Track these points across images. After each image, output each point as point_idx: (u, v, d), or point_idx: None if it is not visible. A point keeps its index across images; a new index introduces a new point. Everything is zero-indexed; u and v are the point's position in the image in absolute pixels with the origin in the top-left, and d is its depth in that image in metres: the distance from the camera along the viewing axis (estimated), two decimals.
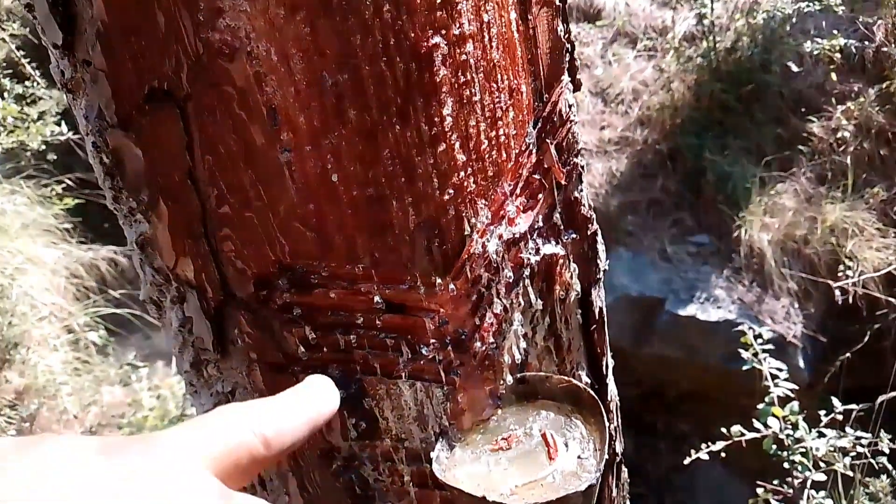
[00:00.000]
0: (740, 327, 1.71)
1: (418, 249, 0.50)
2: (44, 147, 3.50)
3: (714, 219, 3.53)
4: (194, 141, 0.43)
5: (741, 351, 1.62)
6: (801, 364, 3.20)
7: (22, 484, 0.26)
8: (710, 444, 1.48)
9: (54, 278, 3.91)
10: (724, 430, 1.50)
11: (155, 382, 3.60)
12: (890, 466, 1.89)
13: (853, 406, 1.55)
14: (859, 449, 1.45)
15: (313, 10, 0.41)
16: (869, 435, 1.50)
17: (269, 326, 0.49)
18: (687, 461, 1.51)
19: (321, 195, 0.45)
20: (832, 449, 1.44)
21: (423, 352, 0.54)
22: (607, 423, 0.56)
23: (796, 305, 3.32)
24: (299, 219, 0.46)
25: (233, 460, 0.32)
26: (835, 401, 1.54)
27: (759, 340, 1.65)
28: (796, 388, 1.52)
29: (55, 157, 3.91)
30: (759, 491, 2.08)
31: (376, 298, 0.50)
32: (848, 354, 2.60)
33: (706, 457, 1.48)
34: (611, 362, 0.73)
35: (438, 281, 0.52)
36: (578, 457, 0.55)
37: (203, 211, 0.45)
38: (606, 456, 0.54)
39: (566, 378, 0.60)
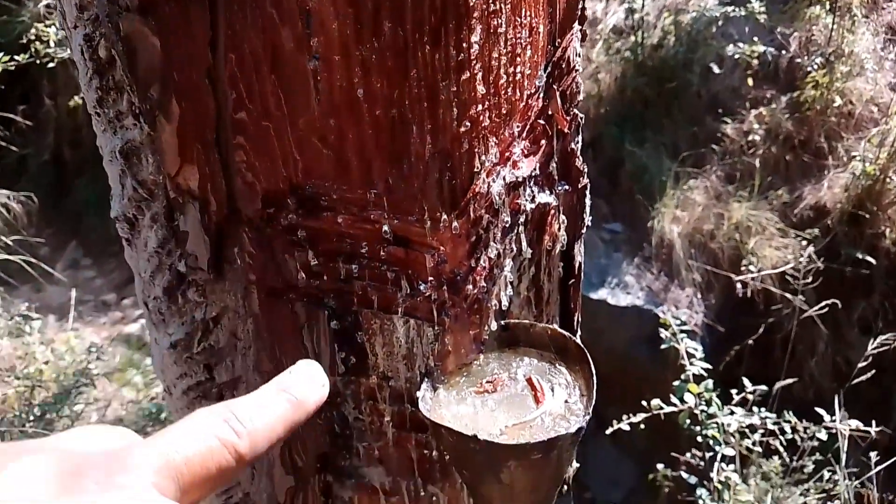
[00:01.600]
0: (657, 311, 1.78)
1: (430, 181, 0.49)
2: None
3: (628, 208, 3.65)
4: (219, 37, 0.40)
5: (661, 330, 1.68)
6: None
7: None
8: (630, 416, 1.54)
9: None
10: (643, 402, 1.56)
11: (49, 336, 3.39)
12: (782, 449, 2.02)
13: (762, 387, 1.65)
14: (769, 425, 1.54)
15: None
16: (774, 415, 1.59)
17: (271, 248, 0.47)
18: (609, 431, 1.57)
19: (344, 111, 0.43)
20: (742, 425, 1.53)
21: (421, 288, 0.52)
22: (593, 370, 0.56)
23: (699, 296, 3.48)
24: (318, 134, 0.44)
25: (198, 473, 0.30)
26: (745, 381, 1.63)
27: (678, 322, 1.72)
28: (710, 367, 1.60)
29: None
30: (660, 466, 2.18)
31: (385, 228, 0.48)
32: (745, 343, 2.75)
33: (627, 427, 1.54)
34: (579, 319, 0.74)
35: (444, 217, 0.51)
36: (565, 401, 0.56)
37: (218, 115, 0.42)
38: (594, 401, 0.55)
39: (550, 326, 0.60)
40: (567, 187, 0.62)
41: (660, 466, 2.16)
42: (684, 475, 1.67)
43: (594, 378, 0.56)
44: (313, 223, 0.47)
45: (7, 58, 3.00)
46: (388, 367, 0.55)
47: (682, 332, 1.68)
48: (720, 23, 3.57)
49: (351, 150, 0.44)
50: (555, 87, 0.57)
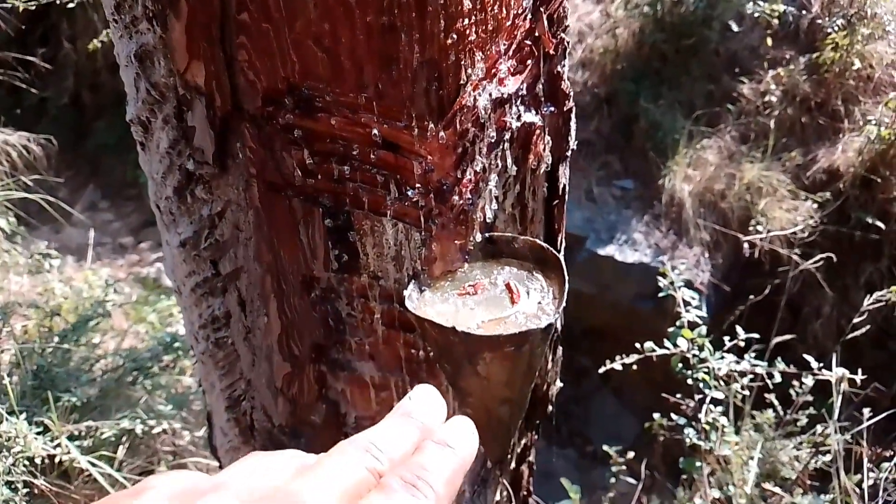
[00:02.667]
0: (659, 260, 1.80)
1: (418, 88, 0.53)
2: None
3: (641, 165, 3.65)
4: None
5: (659, 279, 1.72)
6: (704, 310, 3.40)
7: None
8: (624, 356, 1.59)
9: None
10: (637, 345, 1.60)
11: (67, 275, 3.49)
12: (776, 402, 2.07)
13: (754, 335, 1.69)
14: (758, 371, 1.59)
15: None
16: (765, 363, 1.64)
17: (270, 145, 0.51)
18: (602, 370, 1.62)
19: (337, 15, 0.47)
20: (733, 371, 1.57)
21: (409, 194, 0.57)
22: (566, 276, 0.61)
23: (706, 255, 3.51)
24: (313, 37, 0.47)
25: (356, 500, 0.34)
26: (738, 329, 1.67)
27: (676, 271, 1.75)
28: (706, 315, 1.64)
29: None
30: (656, 416, 2.24)
31: (374, 131, 0.53)
32: (749, 303, 2.77)
33: (619, 367, 1.59)
34: (564, 241, 0.79)
35: (431, 126, 0.55)
36: (539, 303, 0.60)
37: (223, 15, 0.46)
38: (564, 303, 0.59)
39: (531, 239, 0.65)
40: (553, 109, 0.66)
41: (656, 416, 2.22)
42: (674, 417, 1.72)
43: (566, 284, 0.60)
44: (309, 123, 0.51)
45: None
46: (379, 267, 0.60)
47: (680, 280, 1.72)
48: None
49: (344, 54, 0.48)
50: (542, 9, 0.60)
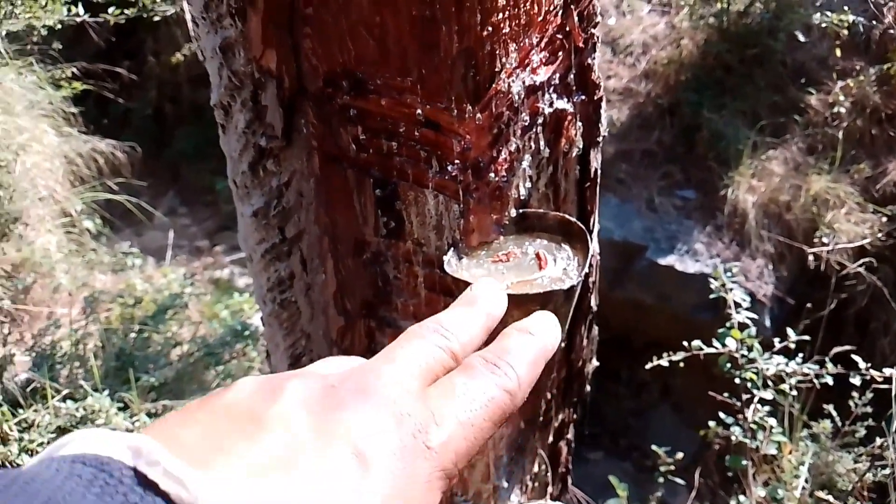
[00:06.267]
0: (712, 264, 1.82)
1: (457, 74, 0.60)
2: (47, 34, 3.46)
3: (703, 175, 3.64)
4: None
5: (711, 280, 1.74)
6: (767, 323, 3.36)
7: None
8: (670, 357, 1.62)
9: (54, 161, 3.94)
10: (685, 343, 1.63)
11: (148, 273, 3.70)
12: (834, 412, 2.05)
13: (805, 337, 1.70)
14: (806, 371, 1.59)
15: None
16: (816, 367, 1.64)
17: (329, 121, 0.60)
18: (648, 366, 1.65)
19: (386, 7, 0.55)
20: (782, 371, 1.58)
21: (449, 168, 0.65)
22: (591, 245, 0.67)
23: (770, 267, 3.47)
24: (366, 26, 0.56)
25: (432, 377, 0.36)
26: (789, 330, 1.68)
27: (728, 274, 1.77)
28: (756, 317, 1.66)
29: (60, 47, 3.91)
30: (711, 424, 2.25)
31: (418, 111, 0.61)
32: (814, 317, 2.74)
33: (666, 363, 1.62)
34: (597, 223, 0.85)
35: (469, 108, 0.63)
36: (564, 269, 0.67)
37: (292, 9, 0.55)
38: (587, 269, 0.66)
39: (560, 214, 0.71)
40: (584, 97, 0.73)
41: (711, 423, 2.22)
42: (723, 415, 1.74)
43: (590, 252, 0.67)
44: (362, 103, 0.59)
45: (118, 11, 3.26)
46: (422, 234, 0.68)
47: (732, 282, 1.73)
48: None
49: (391, 41, 0.57)
50: (572, 7, 0.67)
